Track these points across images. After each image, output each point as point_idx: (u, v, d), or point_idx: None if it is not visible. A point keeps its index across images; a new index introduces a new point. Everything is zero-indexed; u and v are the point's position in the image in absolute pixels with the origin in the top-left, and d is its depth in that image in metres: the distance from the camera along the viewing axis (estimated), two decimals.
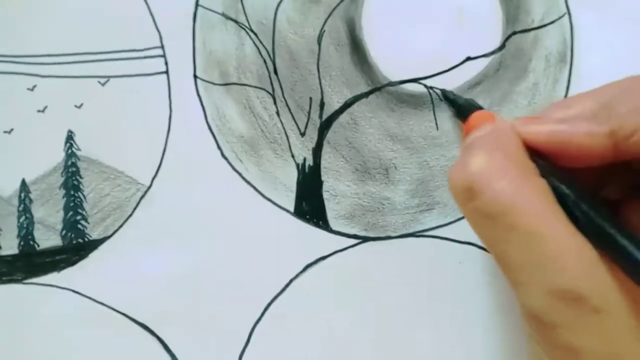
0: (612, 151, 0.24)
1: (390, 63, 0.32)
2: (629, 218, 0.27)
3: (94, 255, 0.33)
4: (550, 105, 0.27)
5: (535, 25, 0.32)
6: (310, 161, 0.33)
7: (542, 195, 0.24)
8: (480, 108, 0.30)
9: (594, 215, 0.24)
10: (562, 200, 0.24)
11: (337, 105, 0.33)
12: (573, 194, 0.24)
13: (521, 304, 0.24)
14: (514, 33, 0.32)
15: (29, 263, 0.33)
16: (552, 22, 0.32)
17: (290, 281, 0.32)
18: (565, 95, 0.32)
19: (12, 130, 0.33)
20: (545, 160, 0.25)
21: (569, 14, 0.32)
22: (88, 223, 0.33)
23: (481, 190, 0.23)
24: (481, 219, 0.24)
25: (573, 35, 0.32)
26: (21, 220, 0.33)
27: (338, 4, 0.33)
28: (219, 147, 0.33)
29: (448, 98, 0.32)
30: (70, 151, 0.33)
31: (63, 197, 0.33)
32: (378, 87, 0.33)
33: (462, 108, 0.30)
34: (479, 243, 0.32)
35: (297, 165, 0.33)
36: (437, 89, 0.32)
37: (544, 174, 0.24)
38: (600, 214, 0.24)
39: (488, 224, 0.24)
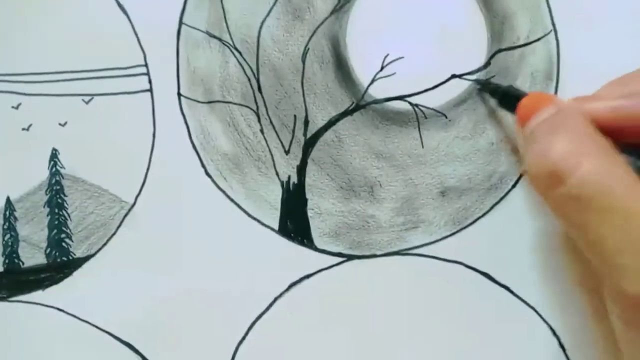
0: None
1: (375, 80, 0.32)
2: None
3: (78, 274, 0.33)
4: (604, 86, 0.26)
5: (521, 42, 0.32)
6: (294, 179, 0.33)
7: (629, 172, 0.23)
8: (525, 93, 0.29)
9: None
10: None
11: (321, 123, 0.33)
12: None
13: (616, 289, 0.23)
14: (500, 50, 0.32)
15: (14, 281, 0.33)
16: (538, 40, 0.32)
17: (275, 300, 0.32)
18: None
19: None
20: (609, 137, 0.24)
21: (555, 31, 0.32)
22: (72, 241, 0.33)
23: (568, 174, 0.23)
24: (571, 204, 0.23)
25: (559, 53, 0.32)
26: (6, 238, 0.33)
27: (322, 22, 0.32)
28: (203, 165, 0.33)
29: (489, 87, 0.31)
30: (54, 169, 0.33)
31: (47, 215, 0.33)
32: (363, 104, 0.32)
33: (507, 95, 0.30)
34: (465, 261, 0.32)
35: (282, 183, 0.33)
36: (433, 109, 0.32)
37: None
38: None
39: (579, 208, 0.23)
